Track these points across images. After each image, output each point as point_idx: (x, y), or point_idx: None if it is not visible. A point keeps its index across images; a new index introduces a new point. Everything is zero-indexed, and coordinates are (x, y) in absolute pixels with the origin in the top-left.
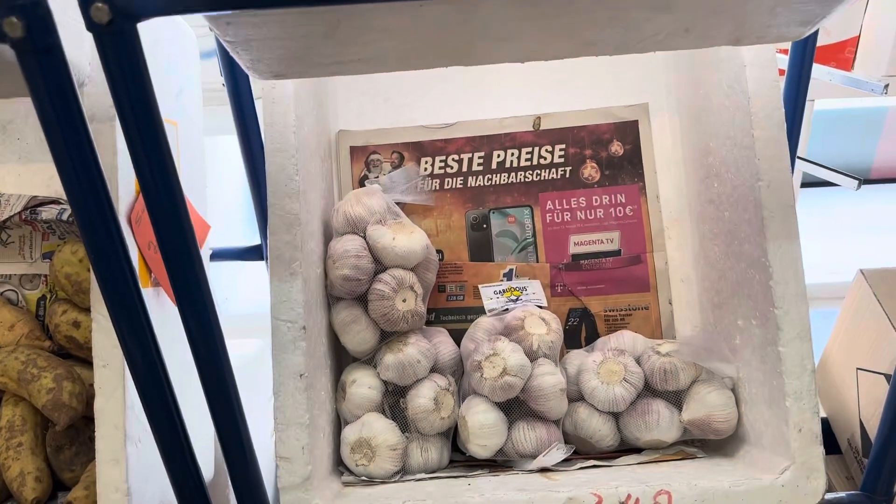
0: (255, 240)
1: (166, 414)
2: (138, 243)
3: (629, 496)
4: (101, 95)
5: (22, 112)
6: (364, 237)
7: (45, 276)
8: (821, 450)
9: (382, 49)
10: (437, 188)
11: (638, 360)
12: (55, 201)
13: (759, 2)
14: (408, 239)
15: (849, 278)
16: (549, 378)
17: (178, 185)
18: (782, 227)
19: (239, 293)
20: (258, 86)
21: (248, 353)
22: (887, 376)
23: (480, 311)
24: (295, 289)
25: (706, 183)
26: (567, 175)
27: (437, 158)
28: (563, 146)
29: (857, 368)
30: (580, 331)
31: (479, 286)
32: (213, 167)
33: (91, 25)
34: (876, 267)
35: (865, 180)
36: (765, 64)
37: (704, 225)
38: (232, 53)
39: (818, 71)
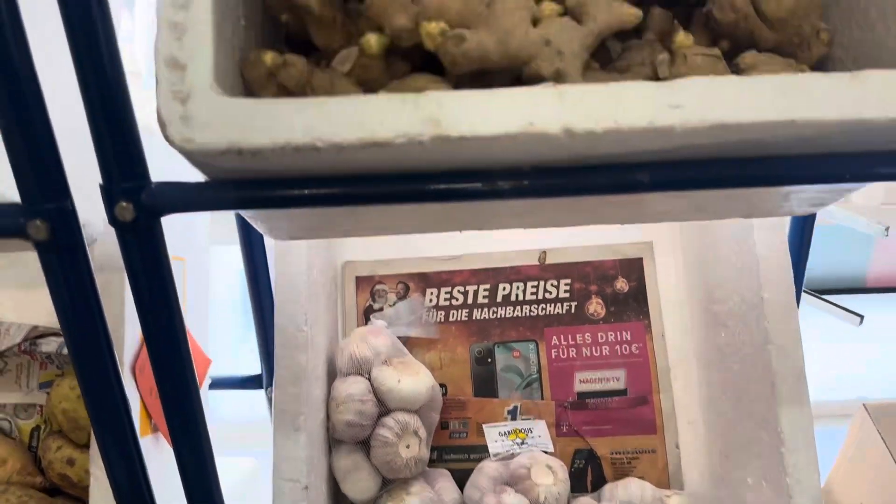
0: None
1: None
2: (140, 390)
3: None
4: (111, 245)
5: None
6: (369, 378)
7: (41, 406)
8: None
9: (399, 221)
10: (442, 320)
11: None
12: (56, 333)
13: (774, 190)
14: (413, 381)
15: (847, 395)
16: None
17: (190, 367)
18: (794, 392)
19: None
20: None
21: (241, 470)
22: None
23: (484, 449)
24: (299, 445)
25: (713, 329)
26: (572, 310)
27: (443, 290)
28: (569, 281)
29: None
30: (586, 473)
31: (484, 426)
32: (215, 275)
33: (114, 222)
34: (878, 398)
35: (862, 289)
36: (774, 226)
37: (711, 371)
38: (249, 221)
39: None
